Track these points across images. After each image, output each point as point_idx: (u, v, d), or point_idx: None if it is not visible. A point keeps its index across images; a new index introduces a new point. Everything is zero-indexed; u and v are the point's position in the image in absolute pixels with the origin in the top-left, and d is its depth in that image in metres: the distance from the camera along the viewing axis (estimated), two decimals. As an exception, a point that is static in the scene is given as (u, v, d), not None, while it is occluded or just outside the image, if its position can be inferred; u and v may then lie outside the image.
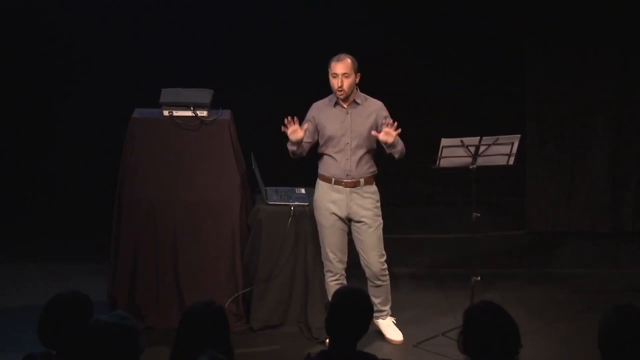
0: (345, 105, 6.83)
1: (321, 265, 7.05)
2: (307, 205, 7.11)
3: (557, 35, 9.07)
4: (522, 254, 8.89)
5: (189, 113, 7.11)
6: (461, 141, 6.73)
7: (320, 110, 6.90)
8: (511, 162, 6.90)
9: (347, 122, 6.81)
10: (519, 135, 6.87)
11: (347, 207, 6.82)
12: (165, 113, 7.12)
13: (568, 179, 9.30)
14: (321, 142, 6.89)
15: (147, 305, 7.09)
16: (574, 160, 9.27)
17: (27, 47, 9.61)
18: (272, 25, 9.63)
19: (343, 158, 6.80)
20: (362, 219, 6.83)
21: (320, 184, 6.91)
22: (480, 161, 6.81)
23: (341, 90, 6.74)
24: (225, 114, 7.23)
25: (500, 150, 6.82)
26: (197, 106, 7.10)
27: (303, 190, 7.35)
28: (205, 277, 7.08)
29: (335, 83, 6.76)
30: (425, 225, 9.36)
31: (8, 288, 7.87)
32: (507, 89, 9.66)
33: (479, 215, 6.87)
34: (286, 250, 7.07)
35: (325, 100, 6.93)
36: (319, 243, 7.03)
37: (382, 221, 6.91)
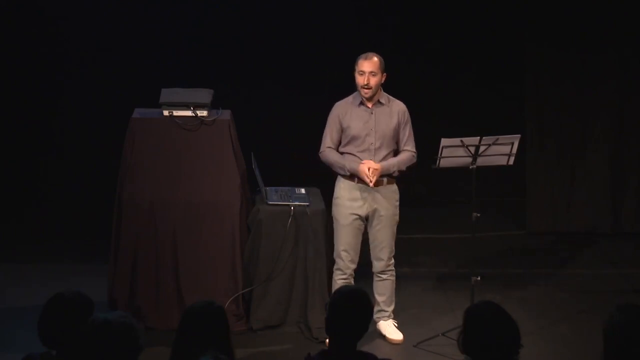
0: (369, 105, 6.84)
1: (321, 264, 7.05)
2: (307, 205, 7.11)
3: (557, 36, 9.08)
4: (522, 254, 8.89)
5: (189, 113, 7.11)
6: (461, 141, 6.73)
7: (344, 110, 6.90)
8: (511, 162, 6.90)
9: (372, 122, 6.82)
10: (518, 136, 6.88)
11: (368, 206, 6.84)
12: (165, 113, 7.12)
13: (568, 179, 9.30)
14: (344, 141, 6.89)
15: (147, 305, 7.08)
16: (574, 160, 9.28)
17: (27, 47, 9.61)
18: (272, 25, 9.63)
19: (366, 157, 6.80)
20: (382, 217, 6.86)
21: (342, 182, 6.91)
22: (480, 161, 6.81)
23: (367, 88, 6.76)
24: (225, 114, 7.23)
25: (500, 150, 6.82)
26: (197, 106, 7.10)
27: (303, 190, 7.35)
28: (205, 277, 7.08)
29: (361, 80, 6.77)
30: (425, 225, 9.37)
31: (8, 288, 7.86)
32: (507, 89, 9.67)
33: (479, 215, 6.88)
34: (286, 250, 7.07)
35: (349, 98, 6.93)
36: (319, 243, 7.03)
37: (398, 220, 6.95)
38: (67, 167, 9.71)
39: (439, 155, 6.74)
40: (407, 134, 6.90)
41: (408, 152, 6.89)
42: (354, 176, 6.84)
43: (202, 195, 7.08)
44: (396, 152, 6.93)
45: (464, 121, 8.89)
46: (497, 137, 6.78)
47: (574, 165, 9.29)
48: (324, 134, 6.95)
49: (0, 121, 9.68)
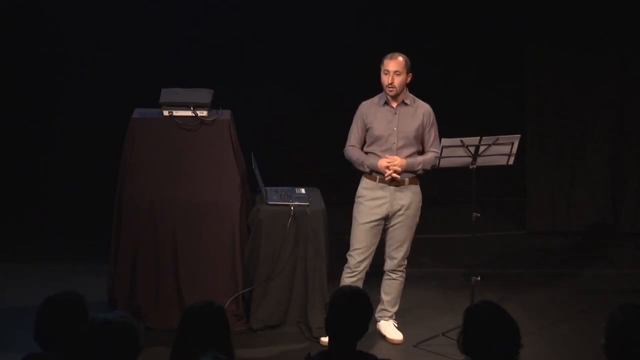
0: (393, 105, 6.86)
1: (321, 264, 7.05)
2: (307, 205, 7.10)
3: (557, 36, 9.08)
4: (522, 254, 8.89)
5: (189, 113, 7.10)
6: (461, 141, 6.73)
7: (369, 110, 6.92)
8: (511, 162, 6.90)
9: (395, 122, 6.84)
10: (518, 136, 6.88)
11: (390, 206, 6.84)
12: (165, 113, 7.12)
13: (568, 179, 9.30)
14: (368, 141, 6.91)
15: (147, 305, 7.08)
16: (574, 160, 9.28)
17: (27, 47, 9.61)
18: (272, 25, 9.63)
19: None
20: (402, 217, 6.88)
21: (365, 181, 6.93)
22: (480, 161, 6.81)
23: (392, 87, 6.78)
24: (225, 114, 7.22)
25: (500, 150, 6.82)
26: (197, 106, 7.10)
27: (303, 190, 7.35)
28: (205, 277, 7.08)
29: (386, 80, 6.80)
30: (426, 225, 9.35)
31: (8, 288, 7.86)
32: (507, 89, 9.67)
33: (479, 215, 6.88)
34: (286, 250, 7.07)
35: (375, 98, 6.95)
36: (319, 243, 7.04)
37: (418, 221, 6.96)
38: (67, 167, 9.70)
39: (439, 155, 6.74)
40: (432, 136, 6.91)
41: (433, 153, 6.89)
42: (376, 175, 6.85)
43: (202, 195, 7.08)
44: (420, 153, 6.94)
45: (464, 121, 8.88)
46: (497, 137, 6.78)
47: (574, 165, 9.29)
48: (349, 132, 6.99)
49: (0, 121, 9.68)
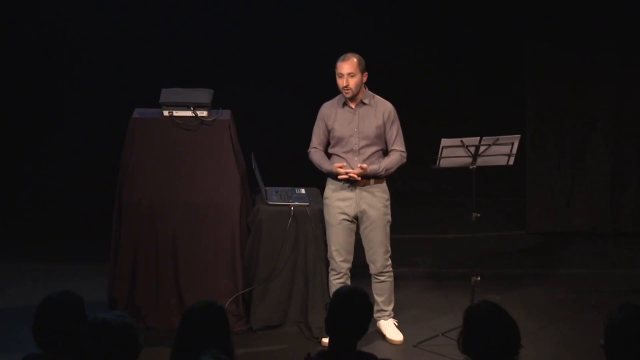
0: (353, 106, 6.86)
1: (321, 264, 7.05)
2: (307, 205, 7.11)
3: (557, 36, 9.08)
4: (522, 254, 8.89)
5: (189, 113, 7.11)
6: (461, 141, 6.73)
7: (329, 111, 6.93)
8: (511, 162, 6.91)
9: (355, 122, 6.83)
10: (518, 136, 6.88)
11: (357, 206, 6.84)
12: (165, 113, 7.12)
13: (568, 179, 9.30)
14: (331, 142, 6.92)
15: (147, 305, 7.08)
16: (574, 161, 9.28)
17: (27, 47, 9.61)
18: (272, 25, 9.63)
19: (352, 158, 6.82)
20: (371, 217, 6.85)
21: (331, 183, 6.93)
22: (480, 161, 6.82)
23: (347, 90, 6.77)
24: (225, 114, 7.23)
25: (500, 151, 6.82)
26: (197, 106, 7.11)
27: (303, 190, 7.35)
28: (205, 277, 7.08)
29: (340, 83, 6.79)
30: (426, 225, 9.37)
31: (8, 288, 7.87)
32: (507, 89, 9.67)
33: (479, 215, 6.88)
34: (286, 250, 7.07)
35: (334, 100, 6.95)
36: (319, 243, 7.04)
37: (390, 219, 6.94)
38: (68, 167, 9.70)
39: (439, 155, 6.75)
40: (394, 133, 6.88)
41: (396, 153, 6.88)
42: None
43: (202, 195, 7.08)
44: (385, 152, 6.93)
45: (464, 121, 8.89)
46: (497, 137, 6.78)
47: (574, 165, 9.29)
48: (312, 134, 7.00)
49: (0, 121, 9.68)
